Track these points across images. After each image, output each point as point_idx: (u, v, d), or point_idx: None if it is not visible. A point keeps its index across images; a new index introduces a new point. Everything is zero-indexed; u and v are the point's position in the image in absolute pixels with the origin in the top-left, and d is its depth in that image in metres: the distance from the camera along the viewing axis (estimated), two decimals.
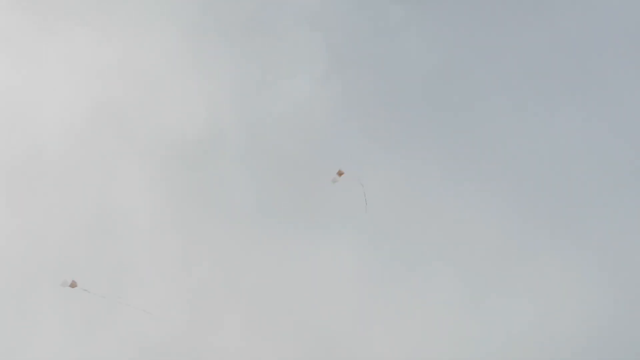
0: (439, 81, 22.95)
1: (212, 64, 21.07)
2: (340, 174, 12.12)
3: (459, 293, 21.82)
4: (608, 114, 25.11)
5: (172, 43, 21.01)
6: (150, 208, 11.38)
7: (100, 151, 12.08)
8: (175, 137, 15.90)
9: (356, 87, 22.54)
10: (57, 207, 11.20)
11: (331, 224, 14.73)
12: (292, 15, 23.05)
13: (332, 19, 23.19)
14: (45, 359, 9.26)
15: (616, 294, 21.96)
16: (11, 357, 9.95)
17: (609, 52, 25.30)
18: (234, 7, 22.44)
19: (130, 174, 11.76)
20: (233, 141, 16.74)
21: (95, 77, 17.67)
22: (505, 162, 22.61)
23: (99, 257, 11.20)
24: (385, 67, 23.50)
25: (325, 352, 13.05)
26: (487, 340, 21.27)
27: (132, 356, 9.58)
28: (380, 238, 21.04)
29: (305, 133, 20.17)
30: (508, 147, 22.83)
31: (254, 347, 10.04)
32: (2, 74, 15.94)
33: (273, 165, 13.12)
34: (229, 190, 12.00)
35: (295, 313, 11.21)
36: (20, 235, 10.60)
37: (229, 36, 21.89)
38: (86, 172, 12.40)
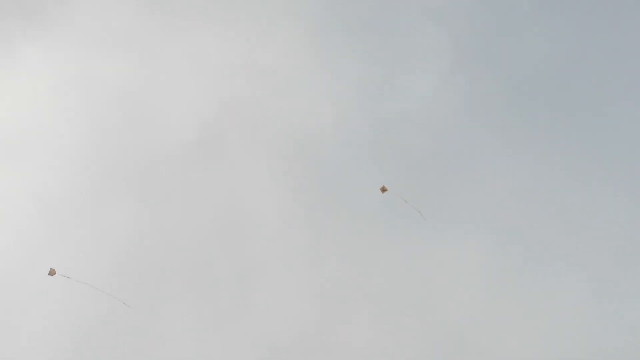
0: (566, 80, 22.65)
1: (337, 62, 21.22)
2: (383, 190, 11.91)
3: (586, 292, 21.49)
4: None
5: (297, 42, 21.23)
6: (279, 206, 11.48)
7: (227, 149, 12.26)
8: (301, 135, 16.11)
9: (481, 84, 22.45)
10: (186, 205, 11.39)
11: (458, 222, 14.62)
12: (416, 12, 23.05)
13: (456, 14, 23.12)
14: (179, 358, 9.39)
15: None
16: (147, 357, 10.12)
17: None
18: (358, 4, 22.55)
19: (258, 172, 11.91)
20: (358, 139, 16.87)
21: (221, 76, 17.90)
22: (634, 163, 22.23)
23: (229, 255, 11.36)
24: (510, 63, 23.35)
25: (452, 347, 12.90)
26: (613, 338, 20.89)
27: (262, 353, 9.64)
28: (506, 237, 20.87)
29: (430, 130, 20.20)
30: (637, 149, 22.41)
31: (381, 343, 9.99)
32: (131, 75, 16.28)
33: (398, 162, 13.11)
34: (355, 188, 12.02)
35: (422, 309, 11.13)
36: (152, 235, 10.80)
37: (354, 34, 22.01)
38: (214, 171, 12.61)
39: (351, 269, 12.09)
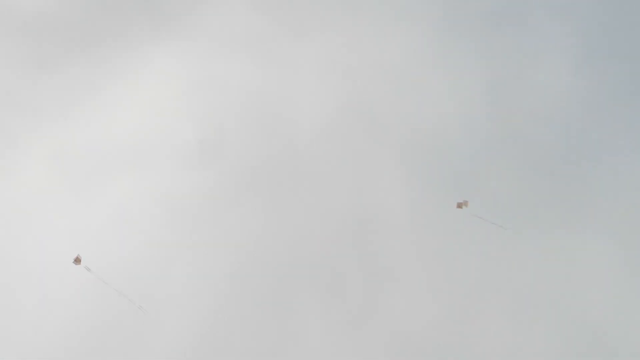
0: None
1: (460, 59, 21.02)
2: (460, 205, 11.38)
3: None
4: None
5: (419, 41, 21.10)
6: (407, 205, 11.30)
7: (353, 150, 12.15)
8: (427, 135, 15.93)
9: (610, 79, 21.90)
10: (315, 206, 11.32)
11: (589, 221, 14.19)
12: (542, 8, 22.65)
13: (583, 9, 22.61)
14: (309, 352, 9.33)
15: None
16: (273, 351, 10.10)
17: None
18: (482, 2, 22.29)
19: (385, 171, 11.75)
20: (485, 135, 16.63)
21: (345, 77, 17.93)
22: None
23: (359, 256, 11.23)
24: None
25: (586, 347, 12.51)
26: None
27: (394, 354, 9.50)
28: (637, 237, 20.31)
29: (559, 126, 19.77)
30: None
31: (513, 344, 9.73)
32: (256, 78, 16.38)
33: (527, 158, 12.77)
34: (483, 185, 11.76)
35: (555, 309, 10.81)
36: (281, 237, 10.77)
37: (477, 30, 21.78)
38: (341, 172, 12.51)
39: (484, 269, 11.84)
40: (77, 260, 9.87)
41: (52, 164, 9.82)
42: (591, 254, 14.70)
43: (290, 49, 20.32)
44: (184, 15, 16.80)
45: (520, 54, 22.71)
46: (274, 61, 19.43)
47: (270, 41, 19.72)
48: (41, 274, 8.54)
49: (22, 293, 8.30)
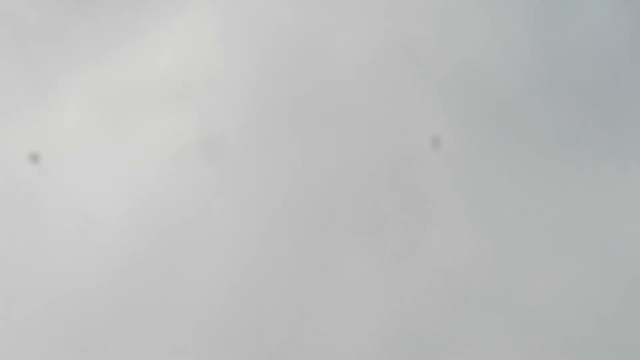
0: None
1: None
2: (436, 142, 10.85)
3: None
4: None
5: None
6: (449, 141, 11.07)
7: (393, 86, 11.84)
8: (469, 70, 15.52)
9: None
10: (354, 144, 11.09)
11: (635, 155, 13.73)
12: None
13: None
14: (352, 300, 9.19)
15: None
16: (317, 302, 10.01)
17: None
18: None
19: (426, 108, 11.46)
20: (528, 70, 16.12)
21: (387, 10, 17.47)
22: None
23: (399, 193, 11.07)
24: None
25: (630, 283, 12.27)
26: None
27: (436, 292, 9.39)
28: None
29: (603, 59, 19.03)
30: None
31: (557, 284, 9.56)
32: (296, 12, 16.02)
33: (571, 92, 12.37)
34: (526, 120, 11.43)
35: (600, 249, 10.57)
36: (320, 174, 10.60)
37: None
38: (381, 108, 12.22)
39: (527, 206, 11.60)
40: (35, 157, 9.53)
41: (91, 104, 9.65)
42: (636, 188, 14.32)
43: None
44: None
45: None
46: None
47: None
48: (76, 216, 8.45)
49: (63, 232, 8.23)
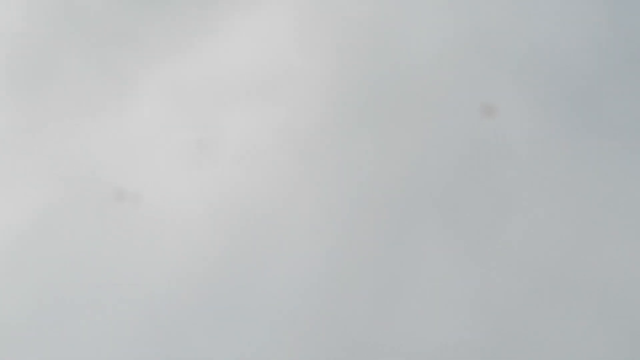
0: None
1: None
2: (489, 110, 10.61)
3: None
4: None
5: None
6: (528, 131, 10.88)
7: (470, 77, 11.71)
8: (545, 58, 15.26)
9: None
10: (432, 136, 11.00)
11: None
12: None
13: None
14: (431, 291, 9.14)
15: None
16: (395, 289, 9.96)
17: None
18: None
19: (507, 100, 11.31)
20: (604, 55, 15.76)
21: (462, 4, 17.27)
22: None
23: (480, 186, 10.99)
24: None
25: None
26: None
27: (517, 278, 9.30)
28: None
29: None
30: None
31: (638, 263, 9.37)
32: (371, 6, 15.88)
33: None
34: (604, 106, 11.17)
35: None
36: (399, 168, 10.54)
37: None
38: (458, 99, 12.10)
39: (609, 194, 11.39)
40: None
41: (167, 101, 9.77)
42: None
43: None
44: None
45: None
46: None
47: None
48: (160, 213, 8.55)
49: (138, 228, 8.33)
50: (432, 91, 11.07)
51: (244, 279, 9.06)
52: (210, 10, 10.77)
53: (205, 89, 9.45)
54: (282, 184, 9.60)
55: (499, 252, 10.00)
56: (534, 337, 8.09)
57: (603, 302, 7.96)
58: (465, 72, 11.11)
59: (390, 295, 8.59)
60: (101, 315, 8.08)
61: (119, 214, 9.02)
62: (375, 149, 10.56)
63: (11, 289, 8.80)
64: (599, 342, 8.07)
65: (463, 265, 9.86)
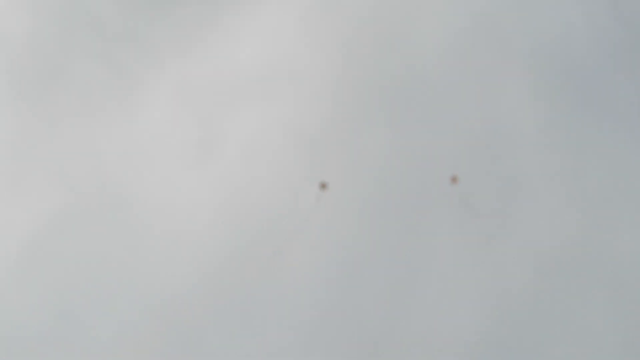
0: None
1: None
2: (454, 179, 10.67)
3: None
4: None
5: None
6: (536, 118, 10.92)
7: (478, 66, 11.78)
8: (552, 46, 15.26)
9: None
10: (440, 123, 11.08)
11: None
12: None
13: None
14: (444, 279, 9.14)
15: None
16: (410, 281, 9.95)
17: None
18: None
19: (509, 83, 11.37)
20: (611, 42, 15.82)
21: None
22: None
23: (487, 173, 11.05)
24: None
25: None
26: None
27: (528, 264, 9.34)
28: None
29: None
30: None
31: None
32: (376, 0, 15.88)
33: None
34: (611, 92, 11.20)
35: None
36: (409, 156, 10.59)
37: None
38: (467, 88, 12.17)
39: (613, 177, 11.44)
40: (323, 186, 9.88)
41: (175, 100, 9.90)
42: None
43: None
44: None
45: None
46: None
47: None
48: (168, 210, 8.65)
49: (147, 229, 8.43)
50: (439, 83, 11.15)
51: (254, 276, 9.15)
52: (216, 11, 10.88)
53: (213, 88, 9.55)
54: (290, 180, 9.70)
55: (510, 238, 10.08)
56: (546, 322, 8.19)
57: (613, 285, 8.06)
58: (471, 63, 11.17)
59: (404, 286, 8.71)
60: (112, 313, 8.20)
61: (128, 213, 9.12)
62: (382, 143, 10.64)
63: (24, 289, 8.92)
64: (610, 325, 8.15)
65: (477, 251, 9.94)
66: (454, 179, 10.55)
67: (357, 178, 10.97)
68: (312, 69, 12.55)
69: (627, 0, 18.92)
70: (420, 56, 13.44)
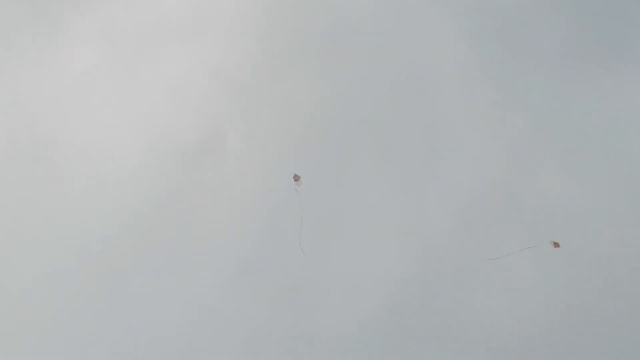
0: None
1: None
2: (296, 179, 10.87)
3: None
4: None
5: None
6: (458, 60, 10.96)
7: (403, 9, 11.71)
8: None
9: None
10: (363, 68, 11.09)
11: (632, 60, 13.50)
12: None
13: None
14: (366, 224, 9.26)
15: None
16: (331, 226, 10.07)
17: None
18: None
19: (435, 28, 11.34)
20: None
21: None
22: None
23: (410, 115, 11.09)
24: None
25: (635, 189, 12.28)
26: None
27: (453, 206, 9.47)
28: None
29: None
30: None
31: (568, 189, 9.63)
32: None
33: (575, 5, 12.22)
34: (533, 34, 11.32)
35: (607, 155, 10.58)
36: (335, 100, 10.59)
37: None
38: (391, 31, 12.11)
39: (535, 120, 11.61)
40: (296, 180, 9.78)
41: (100, 43, 9.67)
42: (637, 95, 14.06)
43: None
44: None
45: None
46: None
47: None
48: (94, 153, 8.52)
49: (74, 173, 8.31)
50: (365, 24, 11.18)
51: (180, 219, 9.16)
52: None
53: (139, 31, 9.47)
54: (217, 122, 9.69)
55: (434, 183, 10.24)
56: (469, 266, 8.37)
57: (536, 229, 8.28)
58: (398, 8, 11.22)
59: (325, 231, 8.80)
60: (37, 255, 8.18)
61: (53, 154, 9.06)
62: (309, 85, 10.68)
63: None
64: (532, 269, 8.39)
65: (401, 193, 10.08)
66: (295, 179, 10.61)
67: (283, 119, 10.91)
68: (239, 11, 12.37)
69: None
70: (349, 8, 13.46)
